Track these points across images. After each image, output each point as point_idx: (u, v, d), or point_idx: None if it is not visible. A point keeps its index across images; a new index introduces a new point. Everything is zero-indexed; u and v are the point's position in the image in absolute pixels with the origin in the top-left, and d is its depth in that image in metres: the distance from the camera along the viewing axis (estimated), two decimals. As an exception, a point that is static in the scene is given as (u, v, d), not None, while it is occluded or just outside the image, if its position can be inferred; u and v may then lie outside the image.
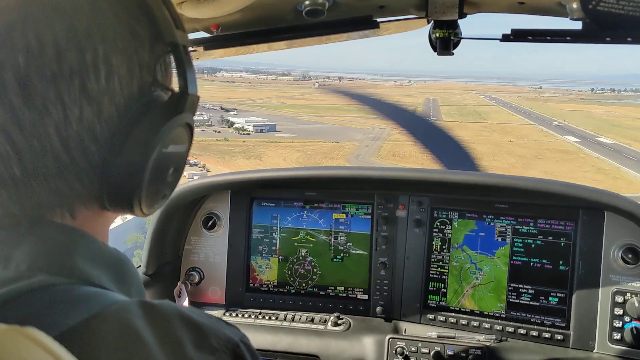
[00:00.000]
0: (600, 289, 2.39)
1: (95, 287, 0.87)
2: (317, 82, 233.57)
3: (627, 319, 2.35)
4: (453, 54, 1.96)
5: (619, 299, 2.36)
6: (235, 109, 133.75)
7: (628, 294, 2.35)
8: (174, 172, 1.01)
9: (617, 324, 2.36)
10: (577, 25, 1.65)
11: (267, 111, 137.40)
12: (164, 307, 0.86)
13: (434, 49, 1.95)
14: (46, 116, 0.84)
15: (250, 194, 2.87)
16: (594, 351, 2.39)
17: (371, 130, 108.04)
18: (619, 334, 2.35)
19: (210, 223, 2.86)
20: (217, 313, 2.80)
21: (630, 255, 2.33)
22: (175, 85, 1.01)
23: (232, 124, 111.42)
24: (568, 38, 1.68)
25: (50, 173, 0.87)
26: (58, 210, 0.91)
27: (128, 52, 0.90)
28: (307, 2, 1.71)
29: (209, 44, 1.94)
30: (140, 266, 2.78)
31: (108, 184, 0.90)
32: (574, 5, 1.60)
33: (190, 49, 1.90)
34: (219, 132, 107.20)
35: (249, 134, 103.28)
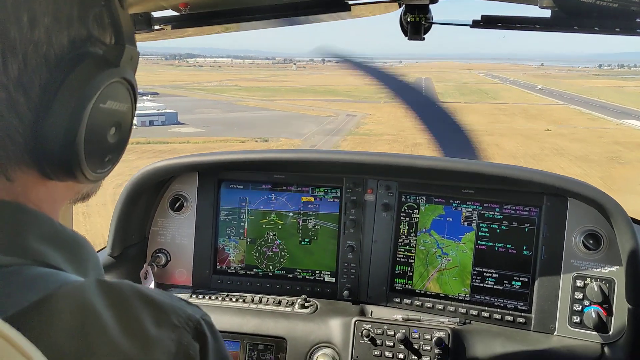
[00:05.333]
0: (561, 274, 2.45)
1: (49, 268, 0.84)
2: (295, 65, 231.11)
3: (586, 302, 2.41)
4: (424, 38, 1.95)
5: (580, 283, 2.42)
6: (157, 93, 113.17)
7: (588, 279, 2.41)
8: (116, 133, 0.96)
9: (577, 307, 2.42)
10: (546, 14, 1.66)
11: (200, 95, 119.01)
12: (122, 286, 0.84)
13: (405, 33, 1.94)
14: None
15: (218, 176, 2.84)
16: (554, 334, 2.45)
17: (333, 118, 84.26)
18: (579, 318, 2.41)
19: (177, 205, 2.83)
20: (183, 295, 2.78)
21: (591, 241, 2.39)
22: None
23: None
24: (537, 26, 1.68)
25: None
26: None
27: (52, 2, 0.85)
28: None
29: (177, 23, 1.89)
30: (105, 247, 2.74)
31: (43, 142, 0.85)
32: None
33: (157, 27, 1.86)
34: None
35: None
